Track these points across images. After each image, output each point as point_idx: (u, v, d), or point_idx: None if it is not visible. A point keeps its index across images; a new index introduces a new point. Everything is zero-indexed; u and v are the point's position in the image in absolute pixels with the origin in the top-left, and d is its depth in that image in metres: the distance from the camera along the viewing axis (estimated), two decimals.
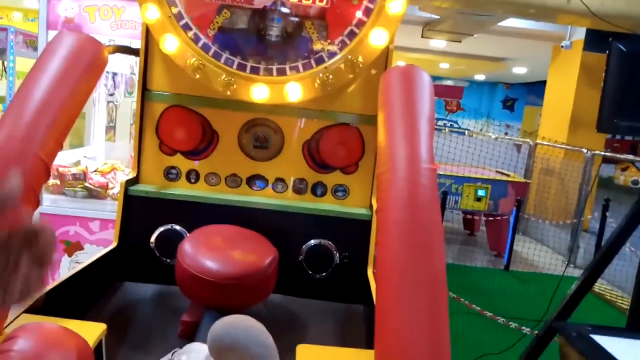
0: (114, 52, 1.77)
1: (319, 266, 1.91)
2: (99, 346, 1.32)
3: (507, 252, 5.97)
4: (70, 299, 1.54)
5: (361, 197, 1.99)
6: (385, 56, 1.91)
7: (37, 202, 1.29)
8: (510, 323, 3.69)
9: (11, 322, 1.26)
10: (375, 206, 1.91)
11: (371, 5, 1.80)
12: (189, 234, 1.74)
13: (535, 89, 15.09)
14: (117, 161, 3.35)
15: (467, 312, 3.92)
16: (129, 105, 4.41)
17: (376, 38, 1.79)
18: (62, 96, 1.37)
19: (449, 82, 17.61)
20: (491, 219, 6.22)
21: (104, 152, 3.78)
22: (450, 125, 16.28)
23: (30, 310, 1.34)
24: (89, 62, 1.51)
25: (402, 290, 1.04)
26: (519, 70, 13.01)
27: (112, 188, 3.00)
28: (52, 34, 2.93)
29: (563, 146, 6.97)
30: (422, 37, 8.67)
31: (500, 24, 7.02)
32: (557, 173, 7.24)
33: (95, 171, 3.14)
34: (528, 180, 6.55)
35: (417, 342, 1.02)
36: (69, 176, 2.89)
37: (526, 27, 7.26)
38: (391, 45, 1.89)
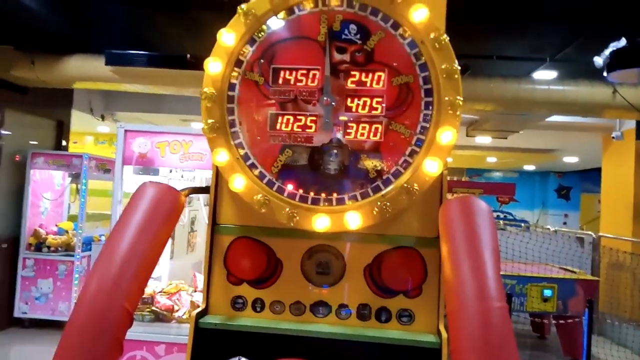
0: (189, 194, 1.94)
1: None
2: None
3: (585, 357, 5.50)
4: None
5: (428, 322, 1.96)
6: (440, 179, 1.98)
7: (122, 351, 1.37)
8: None
9: None
10: (443, 332, 1.88)
11: (422, 137, 1.91)
12: None
13: (589, 176, 14.73)
14: (182, 281, 3.47)
15: None
16: (187, 215, 4.66)
17: (429, 167, 1.87)
18: (144, 247, 1.50)
19: (497, 174, 17.49)
20: (562, 321, 5.83)
21: (168, 268, 3.94)
22: (505, 217, 15.88)
23: None
24: (168, 211, 1.67)
25: None
26: (570, 160, 12.83)
27: (177, 311, 3.09)
28: (127, 168, 3.24)
29: (630, 239, 6.63)
30: (466, 135, 8.85)
31: (546, 119, 7.10)
32: (627, 267, 6.82)
33: (161, 292, 3.26)
34: (597, 278, 6.19)
35: None
36: None
37: (573, 120, 7.30)
38: (445, 170, 1.97)
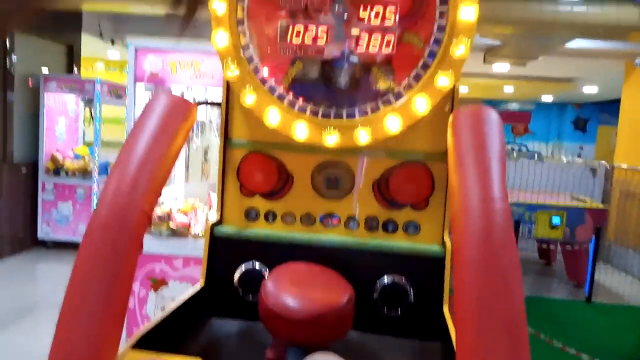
0: (200, 104, 1.96)
1: (393, 303, 1.94)
2: None
3: (588, 283, 5.66)
4: (165, 335, 1.68)
5: (433, 233, 2.02)
6: (451, 94, 1.97)
7: (141, 248, 1.45)
8: None
9: (121, 355, 1.40)
10: (448, 243, 1.94)
11: (435, 49, 1.87)
12: (270, 273, 1.84)
13: (608, 107, 14.39)
14: (197, 199, 3.57)
15: (549, 349, 3.75)
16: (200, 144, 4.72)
17: (442, 80, 1.85)
18: (160, 152, 1.54)
19: (514, 105, 17.15)
20: (569, 247, 5.94)
21: (183, 191, 4.04)
22: (519, 149, 15.75)
23: (134, 344, 1.48)
24: (182, 119, 1.69)
25: (483, 335, 1.06)
26: (590, 90, 12.47)
27: (193, 227, 3.20)
28: (139, 85, 3.24)
29: None
30: (484, 62, 8.60)
31: (567, 45, 6.84)
32: (638, 196, 6.82)
33: (177, 210, 3.37)
34: (606, 207, 6.22)
35: None
36: (155, 218, 3.13)
37: (595, 46, 7.02)
38: (457, 83, 1.95)
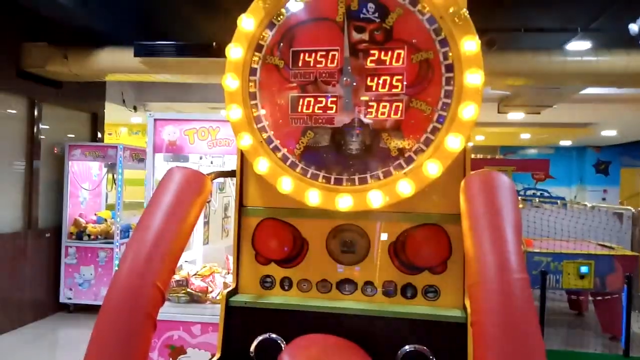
0: (215, 178, 2.00)
1: None
2: None
3: (624, 335, 5.38)
4: None
5: (453, 297, 1.97)
6: (463, 155, 1.97)
7: (155, 326, 1.44)
8: None
9: None
10: (469, 307, 1.89)
11: (444, 113, 1.89)
12: (286, 346, 1.81)
13: (630, 149, 14.22)
14: (215, 264, 3.57)
15: None
16: (219, 201, 4.79)
17: (452, 143, 1.86)
18: (173, 228, 1.56)
19: (532, 151, 17.06)
20: (600, 298, 5.70)
21: (202, 255, 4.06)
22: (541, 194, 15.51)
23: None
24: (195, 193, 1.72)
25: None
26: (609, 133, 12.38)
27: (211, 292, 3.19)
28: (158, 156, 3.33)
29: None
30: (498, 112, 8.65)
31: (580, 92, 6.87)
32: None
33: (195, 274, 3.37)
34: (637, 253, 6.00)
35: None
36: (173, 283, 3.13)
37: (609, 92, 7.03)
38: (467, 145, 1.96)
